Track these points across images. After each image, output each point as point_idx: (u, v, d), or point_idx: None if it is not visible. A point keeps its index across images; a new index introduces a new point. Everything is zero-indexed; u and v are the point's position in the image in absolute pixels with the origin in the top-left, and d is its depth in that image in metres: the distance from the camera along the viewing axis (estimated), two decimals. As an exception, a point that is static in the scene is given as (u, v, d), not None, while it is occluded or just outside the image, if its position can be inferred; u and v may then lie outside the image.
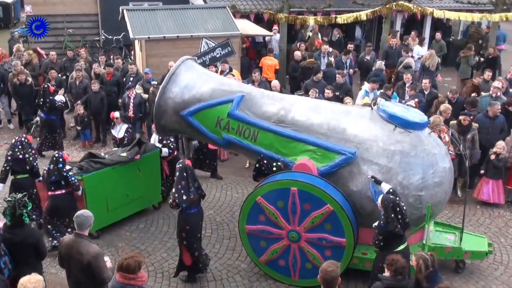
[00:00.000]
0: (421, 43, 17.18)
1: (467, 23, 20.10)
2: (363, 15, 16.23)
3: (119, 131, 10.42)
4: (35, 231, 6.47)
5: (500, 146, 9.84)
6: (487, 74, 13.28)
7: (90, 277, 5.68)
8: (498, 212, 9.94)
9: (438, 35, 17.52)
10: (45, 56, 14.90)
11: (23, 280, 4.92)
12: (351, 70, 15.31)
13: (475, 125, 10.30)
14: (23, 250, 6.20)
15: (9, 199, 6.21)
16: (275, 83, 12.22)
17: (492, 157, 9.83)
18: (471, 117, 10.64)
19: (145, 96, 12.24)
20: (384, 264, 5.84)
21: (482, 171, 10.13)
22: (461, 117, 10.19)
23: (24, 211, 6.19)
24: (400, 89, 12.44)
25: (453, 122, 10.28)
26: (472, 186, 10.41)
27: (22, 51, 14.53)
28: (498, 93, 11.46)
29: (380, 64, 14.22)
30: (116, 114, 10.51)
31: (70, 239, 5.83)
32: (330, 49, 15.56)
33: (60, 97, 11.87)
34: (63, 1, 20.13)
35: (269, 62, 15.40)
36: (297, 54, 14.89)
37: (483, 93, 12.23)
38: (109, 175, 8.74)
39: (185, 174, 7.29)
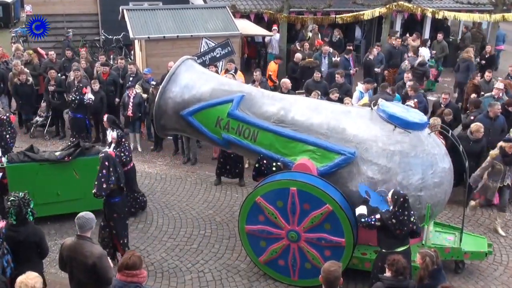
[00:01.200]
0: (424, 45, 17.20)
1: (467, 23, 20.11)
2: (372, 12, 16.28)
3: (109, 135, 9.93)
4: (37, 229, 6.48)
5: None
6: (487, 74, 13.30)
7: (94, 278, 5.65)
8: (495, 212, 9.91)
9: (440, 36, 17.49)
10: (45, 56, 14.88)
11: (22, 277, 4.92)
12: (355, 69, 15.34)
13: None
14: (26, 248, 6.22)
15: (13, 198, 6.22)
16: (285, 81, 12.11)
17: None
18: (472, 118, 10.61)
19: (145, 95, 12.25)
20: (385, 264, 5.85)
21: None
22: (504, 144, 8.75)
23: (29, 209, 6.24)
24: (401, 88, 12.41)
25: (495, 151, 8.99)
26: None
27: (21, 50, 14.54)
28: (500, 94, 11.45)
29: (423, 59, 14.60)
30: (104, 117, 9.94)
31: (72, 241, 5.79)
32: (331, 50, 15.56)
33: (89, 95, 11.82)
34: (63, 0, 20.16)
35: (270, 67, 15.12)
36: (298, 56, 14.84)
37: (483, 94, 12.23)
38: (36, 170, 8.88)
39: (106, 163, 7.63)
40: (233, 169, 10.77)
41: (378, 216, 6.56)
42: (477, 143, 9.64)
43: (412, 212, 6.59)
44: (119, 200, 7.86)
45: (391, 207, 6.58)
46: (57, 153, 9.14)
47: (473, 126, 9.72)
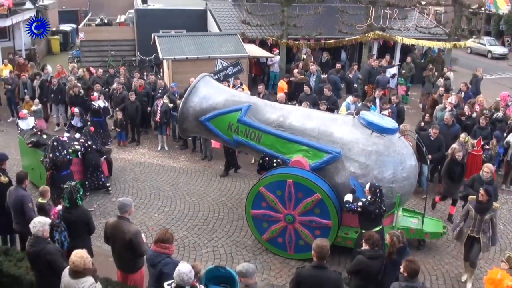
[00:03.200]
0: (389, 64, 17.03)
1: (427, 48, 20.06)
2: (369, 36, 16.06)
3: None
4: (86, 211, 6.47)
5: (457, 149, 9.44)
6: (441, 89, 13.15)
7: (131, 251, 5.62)
8: (450, 201, 9.70)
9: (409, 59, 17.25)
10: (95, 74, 14.96)
11: (73, 253, 4.86)
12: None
13: (496, 205, 6.95)
14: (78, 226, 6.20)
15: (66, 186, 6.23)
16: (280, 95, 11.92)
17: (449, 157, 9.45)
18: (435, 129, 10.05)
19: (171, 105, 12.20)
20: (361, 240, 5.84)
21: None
22: (481, 191, 6.70)
23: (78, 195, 6.21)
24: (371, 102, 12.07)
25: (472, 197, 7.02)
26: (432, 180, 10.26)
27: (76, 68, 14.73)
28: (450, 108, 11.25)
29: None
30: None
31: (114, 220, 5.77)
32: (318, 68, 15.40)
33: (98, 102, 11.78)
34: (108, 29, 20.67)
35: (283, 86, 14.42)
36: (296, 72, 14.74)
37: (439, 106, 12.13)
38: None
39: None
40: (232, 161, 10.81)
41: (360, 203, 6.52)
42: (491, 184, 7.49)
43: (383, 198, 6.58)
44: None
45: (369, 197, 6.54)
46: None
47: (485, 167, 7.93)
